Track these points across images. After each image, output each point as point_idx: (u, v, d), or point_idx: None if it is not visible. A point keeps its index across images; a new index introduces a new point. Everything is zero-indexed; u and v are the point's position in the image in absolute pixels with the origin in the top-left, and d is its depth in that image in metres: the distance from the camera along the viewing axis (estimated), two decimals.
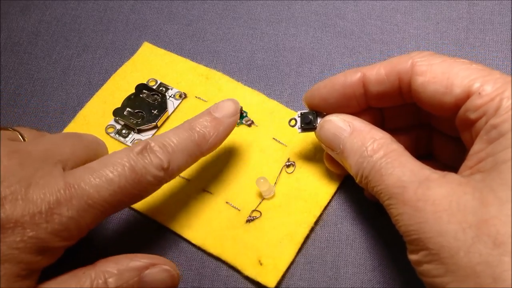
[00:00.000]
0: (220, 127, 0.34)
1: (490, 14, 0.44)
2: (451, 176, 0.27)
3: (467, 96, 0.28)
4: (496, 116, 0.26)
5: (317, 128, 0.34)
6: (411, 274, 0.33)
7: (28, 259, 0.26)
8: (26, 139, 0.32)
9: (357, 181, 0.31)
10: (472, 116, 0.27)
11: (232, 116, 0.34)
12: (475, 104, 0.27)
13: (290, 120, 0.35)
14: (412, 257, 0.27)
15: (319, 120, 0.34)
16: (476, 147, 0.27)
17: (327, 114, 0.34)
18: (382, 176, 0.28)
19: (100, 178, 0.28)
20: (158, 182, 0.31)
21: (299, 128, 0.35)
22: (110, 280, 0.28)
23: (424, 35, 0.43)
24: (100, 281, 0.28)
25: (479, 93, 0.27)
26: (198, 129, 0.33)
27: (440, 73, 0.29)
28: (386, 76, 0.31)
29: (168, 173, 0.31)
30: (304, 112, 0.35)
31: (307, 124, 0.34)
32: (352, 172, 0.31)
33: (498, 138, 0.26)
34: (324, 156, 0.36)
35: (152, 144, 0.31)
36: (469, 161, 0.27)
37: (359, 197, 0.36)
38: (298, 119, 0.35)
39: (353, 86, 0.32)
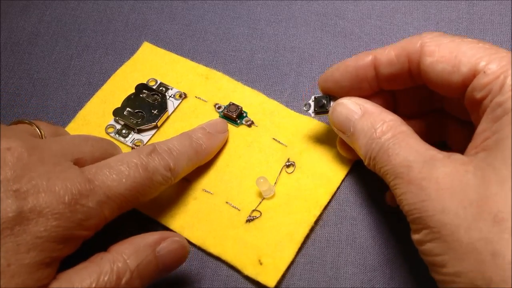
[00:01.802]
0: (212, 140, 0.37)
1: (490, 14, 0.44)
2: (456, 156, 0.27)
3: (473, 74, 0.28)
4: (501, 94, 0.26)
5: (329, 111, 0.34)
6: (411, 274, 0.33)
7: (51, 247, 0.27)
8: (44, 134, 0.33)
9: (365, 163, 0.32)
10: (478, 95, 0.28)
11: (223, 133, 0.38)
12: (481, 83, 0.27)
13: (305, 104, 0.36)
14: (415, 236, 0.27)
15: (332, 104, 0.34)
16: (482, 126, 0.27)
17: (340, 98, 0.34)
18: (389, 157, 0.29)
19: (117, 174, 0.30)
20: (166, 182, 0.33)
21: (312, 112, 0.35)
22: (129, 261, 0.29)
23: None
24: (120, 264, 0.29)
25: (484, 72, 0.27)
26: (195, 139, 0.36)
27: (448, 53, 0.29)
28: (396, 57, 0.31)
29: (173, 174, 0.34)
30: (318, 96, 0.35)
31: (320, 108, 0.35)
32: (361, 154, 0.32)
33: (502, 116, 0.26)
34: (337, 141, 0.36)
35: (159, 148, 0.33)
36: (475, 140, 0.27)
37: (359, 197, 0.36)
38: (312, 103, 0.36)
39: (365, 68, 0.33)
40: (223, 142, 0.38)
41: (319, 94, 0.36)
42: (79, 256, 0.30)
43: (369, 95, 0.34)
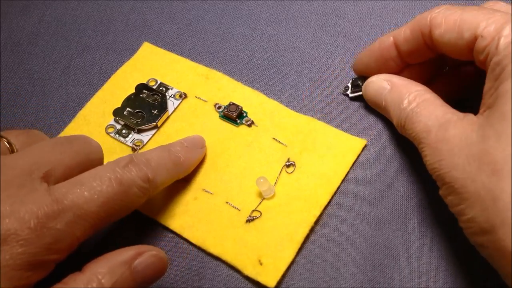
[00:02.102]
0: (191, 154, 0.37)
1: None
2: (468, 117, 0.30)
3: (475, 38, 0.31)
4: (497, 54, 0.29)
5: (362, 89, 0.39)
6: (411, 275, 0.33)
7: (18, 275, 0.26)
8: (15, 147, 0.32)
9: (399, 131, 0.35)
10: (481, 57, 0.30)
11: (201, 148, 0.38)
12: (480, 46, 0.30)
13: (344, 88, 0.40)
14: (440, 192, 0.31)
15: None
16: (487, 85, 0.30)
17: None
18: (413, 124, 0.32)
19: (87, 191, 0.29)
20: (143, 194, 0.32)
21: (350, 93, 0.40)
22: (104, 280, 0.28)
23: None
24: (94, 284, 0.28)
25: (482, 36, 0.30)
26: (174, 151, 0.35)
27: (452, 22, 0.32)
28: (411, 34, 0.34)
29: (152, 186, 0.32)
30: (354, 78, 0.40)
31: (356, 87, 0.40)
32: (394, 123, 0.35)
33: (500, 73, 0.28)
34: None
35: (137, 159, 0.32)
36: (483, 99, 0.30)
37: (359, 197, 0.36)
38: (350, 85, 0.40)
39: (388, 49, 0.36)
40: (201, 157, 0.38)
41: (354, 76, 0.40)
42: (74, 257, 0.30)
43: (398, 71, 0.37)
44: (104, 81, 0.43)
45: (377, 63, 0.37)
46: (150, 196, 0.33)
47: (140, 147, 0.39)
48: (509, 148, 0.27)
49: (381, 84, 0.37)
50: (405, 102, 0.34)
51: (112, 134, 0.40)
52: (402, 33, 0.35)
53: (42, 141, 0.33)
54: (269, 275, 0.33)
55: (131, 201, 0.31)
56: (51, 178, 0.30)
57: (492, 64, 0.29)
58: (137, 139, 0.39)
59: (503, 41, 0.29)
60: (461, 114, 0.31)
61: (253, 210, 0.36)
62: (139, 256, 0.30)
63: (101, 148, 0.34)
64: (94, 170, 0.31)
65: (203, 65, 0.43)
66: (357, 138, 0.38)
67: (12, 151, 0.32)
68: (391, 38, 0.36)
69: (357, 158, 0.37)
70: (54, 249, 0.28)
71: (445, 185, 0.30)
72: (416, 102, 0.33)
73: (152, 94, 0.41)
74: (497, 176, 0.27)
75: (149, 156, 0.33)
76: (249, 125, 0.39)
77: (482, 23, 0.30)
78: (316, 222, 0.35)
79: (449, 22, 0.32)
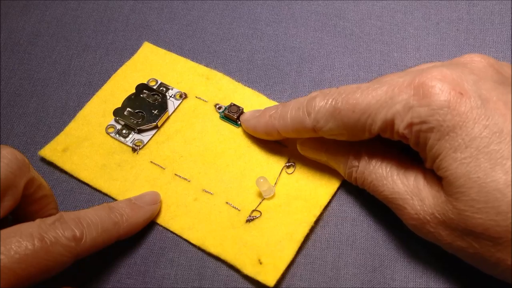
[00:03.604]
0: (140, 212, 0.35)
1: (490, 14, 0.44)
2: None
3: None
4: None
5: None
6: (412, 275, 0.33)
7: None
8: None
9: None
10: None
11: (153, 204, 0.36)
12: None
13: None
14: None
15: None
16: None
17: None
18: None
19: (4, 246, 0.27)
20: (70, 254, 0.30)
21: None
22: None
23: (424, 35, 0.43)
24: None
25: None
26: (116, 210, 0.34)
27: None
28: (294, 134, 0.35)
29: (81, 246, 0.30)
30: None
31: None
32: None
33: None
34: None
35: (66, 216, 0.31)
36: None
37: (360, 198, 0.36)
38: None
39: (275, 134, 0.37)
40: (152, 213, 0.36)
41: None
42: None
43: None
44: (104, 81, 0.43)
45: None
46: (81, 256, 0.31)
47: (140, 147, 0.39)
48: None
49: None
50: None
51: (112, 134, 0.40)
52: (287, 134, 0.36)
53: None
54: (269, 274, 0.33)
55: (55, 260, 0.29)
56: None
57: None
58: (137, 139, 0.39)
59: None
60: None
61: (253, 210, 0.36)
62: None
63: (27, 162, 0.31)
64: (18, 225, 0.29)
65: (203, 65, 0.43)
66: None
67: None
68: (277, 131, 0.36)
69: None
70: None
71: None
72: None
73: (152, 94, 0.41)
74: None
75: (83, 214, 0.32)
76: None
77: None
78: (316, 222, 0.35)
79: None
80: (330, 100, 0.32)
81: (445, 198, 0.29)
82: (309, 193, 0.36)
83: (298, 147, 0.37)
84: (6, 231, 0.28)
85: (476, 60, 0.31)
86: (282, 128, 0.35)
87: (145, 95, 0.41)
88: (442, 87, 0.28)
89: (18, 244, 0.28)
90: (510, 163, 0.27)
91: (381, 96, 0.30)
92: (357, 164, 0.34)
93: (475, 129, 0.28)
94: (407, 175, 0.31)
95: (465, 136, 0.28)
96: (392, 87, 0.30)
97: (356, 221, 0.35)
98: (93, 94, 0.42)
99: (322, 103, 0.33)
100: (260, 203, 0.36)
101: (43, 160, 0.39)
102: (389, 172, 0.32)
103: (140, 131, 0.40)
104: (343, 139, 0.33)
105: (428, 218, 0.30)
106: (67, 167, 0.39)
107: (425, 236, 0.31)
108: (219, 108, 0.40)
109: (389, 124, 0.30)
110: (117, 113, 0.40)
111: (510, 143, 0.27)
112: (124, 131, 0.40)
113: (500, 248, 0.27)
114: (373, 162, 0.33)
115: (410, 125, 0.29)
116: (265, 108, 0.37)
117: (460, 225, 0.28)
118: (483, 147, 0.27)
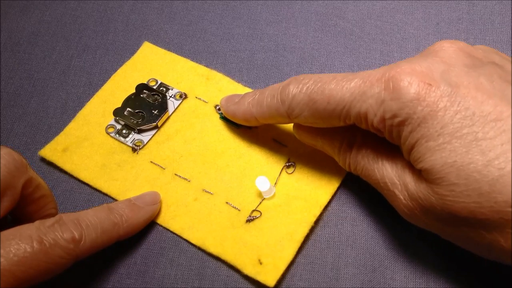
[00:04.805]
0: (139, 212, 0.35)
1: (490, 14, 0.44)
2: None
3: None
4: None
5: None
6: (412, 275, 0.33)
7: None
8: None
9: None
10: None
11: (152, 205, 0.36)
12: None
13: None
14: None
15: None
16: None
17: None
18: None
19: (3, 249, 0.28)
20: (69, 255, 0.30)
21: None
22: None
23: (424, 35, 0.43)
24: None
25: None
26: (115, 211, 0.34)
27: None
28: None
29: (80, 248, 0.30)
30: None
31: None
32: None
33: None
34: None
35: (66, 218, 0.31)
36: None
37: (360, 198, 0.36)
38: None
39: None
40: (152, 214, 0.36)
41: None
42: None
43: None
44: (104, 81, 0.43)
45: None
46: (81, 257, 0.31)
47: (140, 147, 0.39)
48: None
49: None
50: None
51: (112, 134, 0.40)
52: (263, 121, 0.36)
53: None
54: (269, 274, 0.33)
55: (54, 262, 0.29)
56: None
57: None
58: (137, 139, 0.39)
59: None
60: None
61: (253, 210, 0.36)
62: None
63: (24, 162, 0.31)
64: (18, 227, 0.29)
65: (203, 65, 0.43)
66: None
67: None
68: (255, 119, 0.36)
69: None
70: None
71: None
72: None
73: (152, 94, 0.41)
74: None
75: (82, 215, 0.32)
76: (250, 127, 0.39)
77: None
78: (316, 222, 0.35)
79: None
80: (305, 88, 0.33)
81: (426, 185, 0.29)
82: (309, 193, 0.36)
83: (294, 132, 0.36)
84: (5, 234, 0.28)
85: (446, 46, 0.31)
86: (259, 116, 0.35)
87: (145, 95, 0.41)
88: (411, 80, 0.29)
89: (17, 246, 0.28)
90: (485, 143, 0.27)
91: (355, 89, 0.31)
92: (350, 149, 0.34)
93: (446, 117, 0.28)
94: (396, 161, 0.32)
95: (436, 124, 0.28)
96: (365, 80, 0.30)
97: (356, 221, 0.35)
98: (93, 94, 0.42)
99: (295, 91, 0.33)
100: (260, 203, 0.36)
101: (43, 160, 0.39)
102: (380, 157, 0.32)
103: (140, 131, 0.40)
104: (318, 127, 0.34)
105: (414, 204, 0.30)
106: (67, 167, 0.39)
107: (418, 224, 0.31)
108: (219, 109, 0.40)
109: (363, 118, 0.31)
110: (117, 113, 0.40)
111: (484, 124, 0.27)
112: (124, 131, 0.40)
113: (489, 229, 0.27)
114: (366, 147, 0.33)
115: (383, 119, 0.30)
116: (244, 94, 0.37)
117: (445, 211, 0.28)
118: (455, 132, 0.27)
